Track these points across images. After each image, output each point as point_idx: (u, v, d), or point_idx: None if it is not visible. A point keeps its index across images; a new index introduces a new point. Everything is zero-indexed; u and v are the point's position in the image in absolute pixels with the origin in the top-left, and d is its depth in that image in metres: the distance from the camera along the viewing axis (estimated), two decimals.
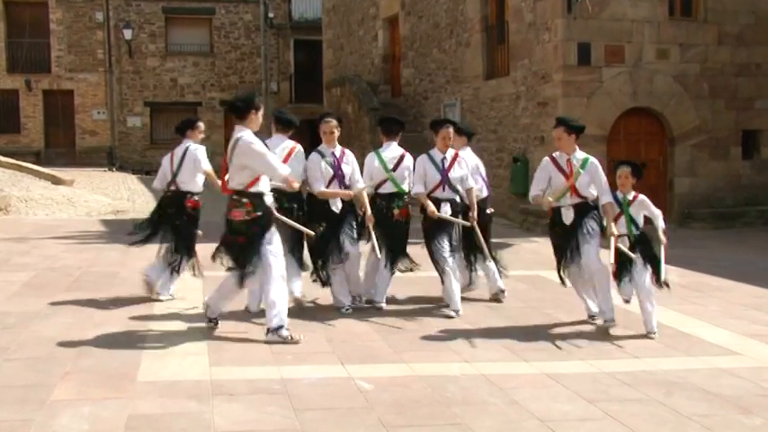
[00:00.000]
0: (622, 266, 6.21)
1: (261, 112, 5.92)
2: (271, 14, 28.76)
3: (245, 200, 5.79)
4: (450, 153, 7.01)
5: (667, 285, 6.33)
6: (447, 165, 6.94)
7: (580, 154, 6.47)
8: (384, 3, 20.19)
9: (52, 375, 4.93)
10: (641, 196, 6.28)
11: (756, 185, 14.30)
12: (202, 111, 28.77)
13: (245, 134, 5.79)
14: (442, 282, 6.95)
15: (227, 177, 5.90)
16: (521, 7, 14.12)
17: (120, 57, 28.13)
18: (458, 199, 7.01)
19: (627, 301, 6.39)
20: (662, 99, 13.54)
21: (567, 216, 6.35)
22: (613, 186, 6.39)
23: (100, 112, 28.02)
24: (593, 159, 6.43)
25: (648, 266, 6.19)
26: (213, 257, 5.96)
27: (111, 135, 28.01)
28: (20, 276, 8.28)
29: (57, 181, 17.99)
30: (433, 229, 6.89)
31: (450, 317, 6.74)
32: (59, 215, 14.71)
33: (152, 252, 10.13)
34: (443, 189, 6.93)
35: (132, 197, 18.23)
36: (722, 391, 4.93)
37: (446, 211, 6.85)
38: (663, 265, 6.19)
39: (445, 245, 6.83)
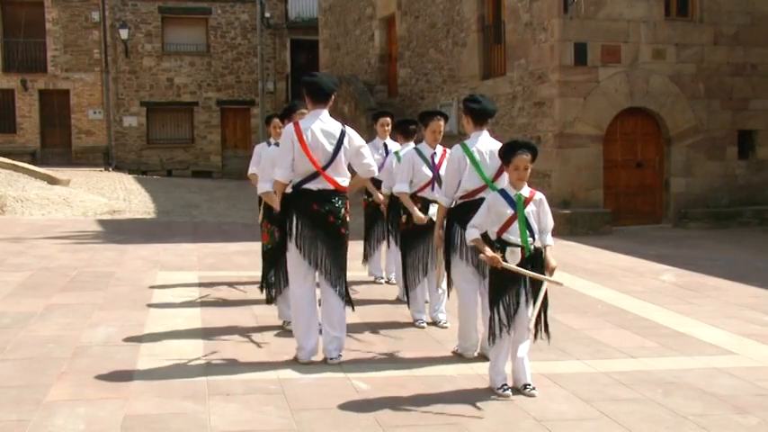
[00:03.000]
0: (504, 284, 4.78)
1: None
2: (267, 14, 28.74)
3: (346, 198, 5.38)
4: (439, 149, 6.38)
5: (543, 334, 4.87)
6: (438, 161, 6.34)
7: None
8: (380, 2, 20.19)
9: (48, 375, 4.93)
10: (539, 194, 4.85)
11: (752, 185, 14.34)
12: (198, 111, 28.77)
13: (338, 122, 5.35)
14: (406, 293, 6.55)
15: (332, 173, 5.25)
16: (517, 7, 14.13)
17: (117, 56, 28.08)
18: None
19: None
20: (658, 99, 13.56)
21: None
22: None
23: (96, 111, 27.96)
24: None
25: (530, 301, 4.79)
26: None
27: (107, 135, 27.95)
28: (15, 276, 8.26)
29: (53, 181, 17.95)
30: (414, 236, 6.34)
31: (421, 327, 6.44)
32: (55, 215, 14.68)
33: (147, 252, 10.17)
34: (433, 188, 6.28)
35: (129, 197, 18.20)
36: (718, 390, 4.94)
37: (433, 213, 6.12)
38: (538, 303, 4.72)
39: (421, 260, 6.32)
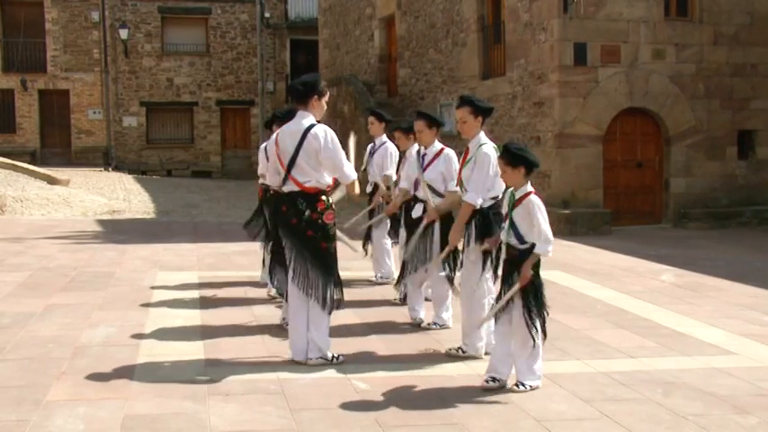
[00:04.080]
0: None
1: (325, 99, 5.33)
2: (267, 14, 28.75)
3: (330, 200, 5.29)
4: (433, 149, 6.29)
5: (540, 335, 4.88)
6: (427, 161, 6.28)
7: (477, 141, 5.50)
8: (380, 2, 20.19)
9: (48, 376, 4.93)
10: (531, 198, 4.77)
11: (752, 185, 14.34)
12: (198, 111, 28.78)
13: (314, 123, 5.22)
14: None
15: (296, 174, 5.21)
16: (517, 7, 14.14)
17: (116, 56, 28.09)
18: (432, 201, 6.22)
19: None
20: (658, 99, 13.57)
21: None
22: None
23: (96, 111, 27.97)
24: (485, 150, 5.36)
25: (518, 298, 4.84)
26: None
27: (107, 135, 27.96)
28: (15, 276, 8.26)
29: (52, 181, 17.95)
30: (413, 234, 6.36)
31: (418, 322, 6.51)
32: (55, 215, 14.68)
33: (146, 252, 10.17)
34: (415, 188, 6.39)
35: (128, 197, 18.20)
36: (718, 390, 4.94)
37: (417, 212, 6.37)
38: (506, 297, 4.84)
39: (420, 258, 6.30)
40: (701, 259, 10.25)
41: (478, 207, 5.36)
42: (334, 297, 5.31)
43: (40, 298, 7.20)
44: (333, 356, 5.34)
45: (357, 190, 5.39)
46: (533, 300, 4.82)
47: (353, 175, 5.28)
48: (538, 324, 4.85)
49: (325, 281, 5.27)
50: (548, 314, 4.93)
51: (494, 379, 4.89)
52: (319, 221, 5.21)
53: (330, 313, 5.32)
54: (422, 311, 6.57)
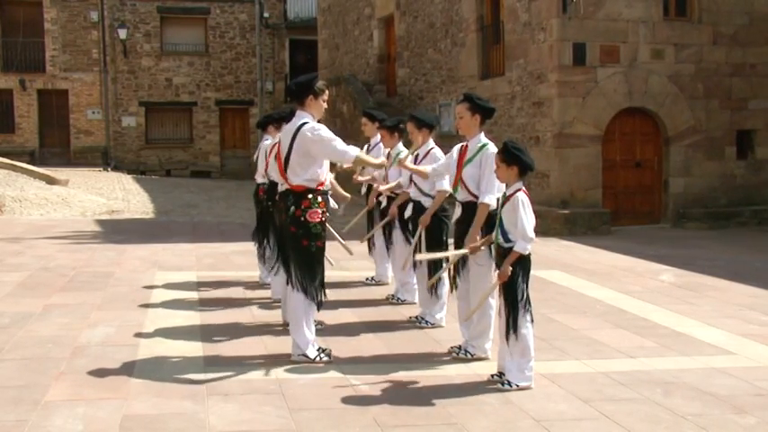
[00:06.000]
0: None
1: (323, 98, 5.34)
2: (266, 14, 28.74)
3: (320, 198, 5.31)
4: (424, 149, 6.40)
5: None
6: (419, 162, 6.37)
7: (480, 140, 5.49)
8: (379, 2, 20.19)
9: (46, 375, 4.93)
10: (519, 195, 4.76)
11: (750, 185, 14.35)
12: (197, 111, 28.77)
13: (306, 121, 5.27)
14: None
15: (289, 172, 5.29)
16: (516, 7, 14.14)
17: (115, 56, 28.07)
18: (423, 201, 6.42)
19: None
20: (657, 99, 13.57)
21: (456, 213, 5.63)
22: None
23: (95, 111, 27.95)
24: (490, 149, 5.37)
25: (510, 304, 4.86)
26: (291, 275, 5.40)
27: (105, 135, 27.94)
28: (14, 276, 8.26)
29: (51, 181, 17.94)
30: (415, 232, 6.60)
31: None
32: (54, 215, 14.67)
33: (145, 252, 10.16)
34: (411, 188, 6.57)
35: (127, 197, 18.19)
36: (717, 390, 4.94)
37: (409, 212, 6.57)
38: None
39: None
40: (700, 259, 10.25)
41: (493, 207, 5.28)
42: (314, 297, 5.33)
43: (39, 298, 7.20)
44: (317, 354, 5.34)
45: (372, 161, 5.61)
46: (512, 298, 4.83)
47: (354, 152, 5.30)
48: (525, 320, 4.86)
49: (304, 278, 5.30)
50: (528, 311, 4.88)
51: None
52: (302, 219, 5.24)
53: (306, 311, 5.35)
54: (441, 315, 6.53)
